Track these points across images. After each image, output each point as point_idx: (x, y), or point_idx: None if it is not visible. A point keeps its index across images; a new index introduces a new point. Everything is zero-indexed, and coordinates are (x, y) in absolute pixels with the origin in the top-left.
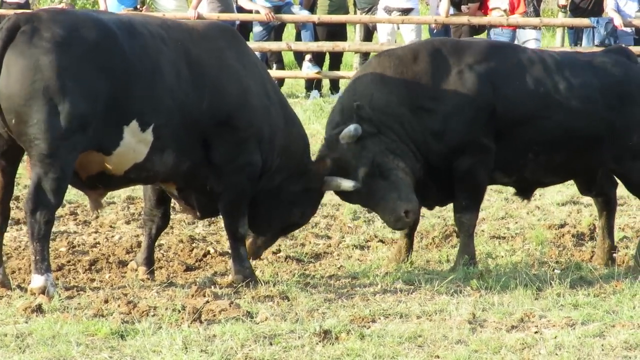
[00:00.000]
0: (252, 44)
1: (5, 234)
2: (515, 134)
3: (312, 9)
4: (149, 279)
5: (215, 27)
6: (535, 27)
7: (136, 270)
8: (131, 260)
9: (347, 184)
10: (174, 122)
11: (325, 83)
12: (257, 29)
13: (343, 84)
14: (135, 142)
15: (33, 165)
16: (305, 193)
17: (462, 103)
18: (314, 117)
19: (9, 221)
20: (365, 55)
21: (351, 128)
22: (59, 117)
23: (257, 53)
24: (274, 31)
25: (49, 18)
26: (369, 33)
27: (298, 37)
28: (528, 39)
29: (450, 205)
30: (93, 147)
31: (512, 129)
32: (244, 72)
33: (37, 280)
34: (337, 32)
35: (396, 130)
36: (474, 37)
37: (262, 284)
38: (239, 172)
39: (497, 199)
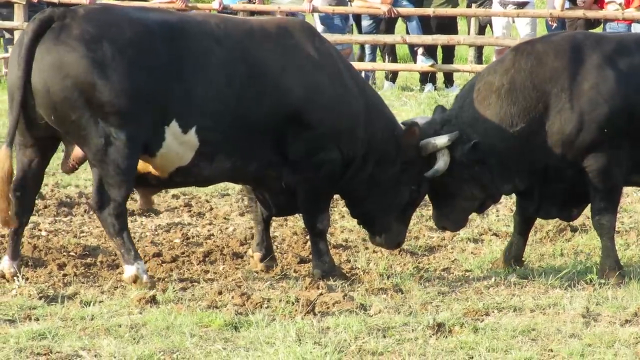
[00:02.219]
0: (366, 37)
1: None
2: None
3: (421, 2)
4: (263, 271)
5: (283, 25)
6: None
7: (252, 257)
8: (246, 252)
9: (442, 140)
10: (225, 126)
11: (440, 76)
12: (365, 22)
13: (457, 78)
14: (177, 145)
15: (90, 165)
16: (407, 169)
17: (599, 101)
18: (428, 110)
19: None
20: (479, 49)
21: (444, 139)
22: (96, 113)
23: (367, 46)
24: (386, 24)
25: (83, 15)
26: (481, 26)
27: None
28: None
29: None
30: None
31: None
32: (312, 69)
33: (128, 271)
34: (448, 25)
35: (499, 155)
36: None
37: (347, 277)
38: (315, 170)
39: None
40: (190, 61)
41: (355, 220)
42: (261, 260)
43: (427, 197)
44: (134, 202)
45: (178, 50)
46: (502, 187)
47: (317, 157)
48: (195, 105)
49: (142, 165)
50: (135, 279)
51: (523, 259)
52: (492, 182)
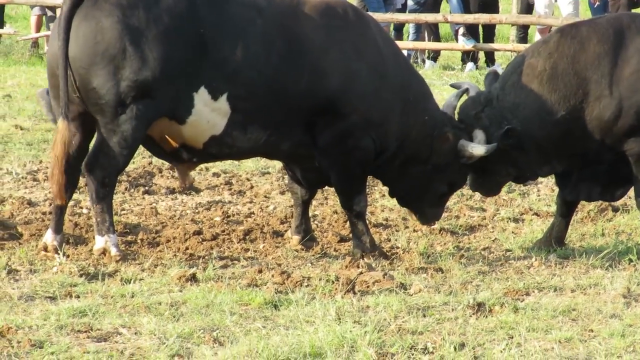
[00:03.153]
0: (408, 16)
1: (161, 202)
2: None
3: None
4: (303, 249)
5: (331, 5)
6: None
7: (291, 239)
8: (286, 231)
9: (479, 151)
10: (260, 97)
11: (481, 55)
12: (410, 2)
13: (498, 57)
14: (208, 111)
15: (97, 129)
16: (441, 169)
17: (638, 86)
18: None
19: (165, 190)
20: (522, 28)
21: (482, 150)
22: (119, 82)
23: (412, 25)
24: (432, 3)
25: None
26: (529, 6)
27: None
28: None
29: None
30: (165, 114)
31: None
32: (354, 55)
33: (98, 242)
34: (490, 3)
35: (538, 140)
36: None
37: (387, 256)
38: (346, 155)
39: None
40: (228, 29)
41: (395, 200)
42: (300, 243)
43: None
44: (175, 180)
45: (217, 17)
46: (540, 169)
47: (345, 144)
48: (228, 73)
49: (176, 138)
50: (104, 251)
51: (565, 240)
52: (528, 165)
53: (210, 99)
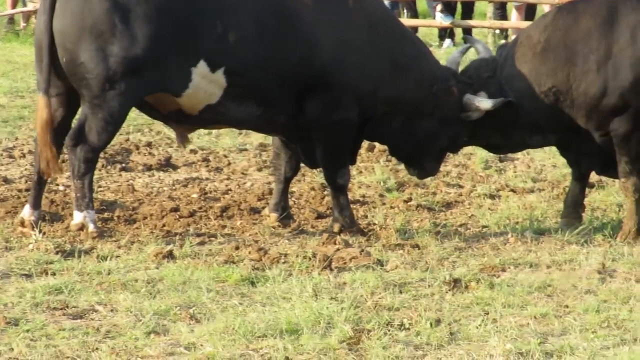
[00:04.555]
0: None
1: (138, 179)
2: None
3: None
4: (280, 226)
5: None
6: None
7: (268, 216)
8: (263, 208)
9: (486, 105)
10: (255, 72)
11: (458, 32)
12: None
13: (476, 33)
14: (206, 83)
15: (82, 104)
16: (447, 123)
17: (624, 66)
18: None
19: (142, 167)
20: (500, 5)
21: (489, 104)
22: (107, 59)
23: (387, 1)
24: None
25: None
26: None
27: None
28: None
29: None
30: (157, 90)
31: None
32: (344, 26)
33: (76, 217)
34: None
35: (529, 112)
36: None
37: (364, 233)
38: (334, 128)
39: None
40: (222, 6)
41: (372, 177)
42: (277, 220)
43: None
44: (152, 157)
45: None
46: (530, 138)
47: (333, 115)
48: (226, 48)
49: (172, 105)
50: (82, 227)
51: (581, 209)
52: (518, 133)
53: (209, 71)
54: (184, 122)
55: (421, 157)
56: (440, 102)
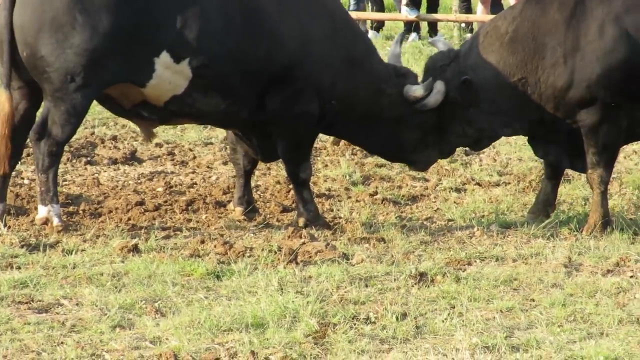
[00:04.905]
0: None
1: (103, 173)
2: None
3: None
4: (245, 220)
5: None
6: None
7: (234, 210)
8: (229, 201)
9: (419, 92)
10: (221, 64)
11: (424, 26)
12: None
13: (441, 27)
14: (170, 74)
15: (45, 98)
16: (400, 117)
17: (592, 59)
18: (412, 60)
19: (107, 160)
20: None
21: (420, 89)
22: (67, 52)
23: None
24: None
25: None
26: None
27: None
28: None
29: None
30: (120, 81)
31: None
32: (307, 19)
33: (41, 211)
34: None
35: (497, 102)
36: None
37: (330, 226)
38: (296, 121)
39: None
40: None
41: (338, 170)
42: (242, 214)
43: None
44: (117, 150)
45: None
46: (501, 130)
47: (295, 109)
48: (189, 40)
49: (137, 96)
50: (46, 221)
51: (552, 205)
52: (489, 125)
53: (173, 62)
54: (148, 116)
55: (398, 153)
56: (387, 102)
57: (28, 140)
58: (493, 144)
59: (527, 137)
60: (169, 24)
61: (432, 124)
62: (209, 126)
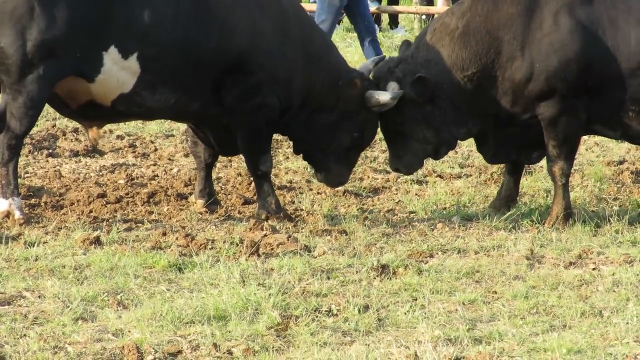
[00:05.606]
0: None
1: (65, 165)
2: (611, 90)
3: None
4: (207, 212)
5: None
6: None
7: (195, 203)
8: (190, 194)
9: (385, 97)
10: (170, 57)
11: (385, 18)
12: None
13: (402, 19)
14: (117, 70)
15: (2, 91)
16: (348, 117)
17: (549, 51)
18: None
19: (69, 153)
20: None
21: (387, 96)
22: (26, 42)
23: None
24: None
25: None
26: None
27: None
28: None
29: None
30: (73, 73)
31: (608, 85)
32: (259, 13)
33: (1, 205)
34: None
35: (451, 97)
36: None
37: (291, 219)
38: (253, 114)
39: None
40: None
41: (299, 162)
42: (204, 206)
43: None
44: (78, 142)
45: None
46: (456, 130)
47: (253, 101)
48: (137, 33)
49: (84, 95)
50: (8, 214)
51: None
52: (444, 125)
53: (121, 57)
54: (95, 116)
55: (324, 156)
56: (344, 95)
57: None
58: None
59: (477, 147)
60: (118, 16)
61: (366, 137)
62: None
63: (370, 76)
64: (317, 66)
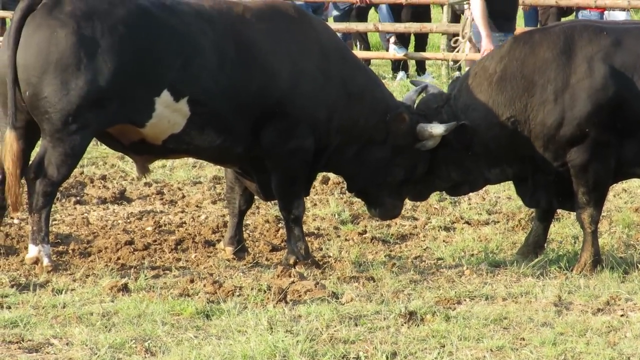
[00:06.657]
0: (338, 24)
1: (93, 212)
2: None
3: None
4: (234, 259)
5: (273, 7)
6: (623, 9)
7: (224, 250)
8: (218, 241)
9: (438, 130)
10: (217, 102)
11: (412, 64)
12: (335, 12)
13: (429, 66)
14: (169, 112)
15: (43, 138)
16: (400, 151)
17: (582, 96)
18: (400, 98)
19: (96, 200)
20: (453, 37)
21: (441, 129)
22: (71, 92)
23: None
24: (357, 12)
25: None
26: (455, 14)
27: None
28: None
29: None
30: (121, 122)
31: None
32: (298, 54)
33: (31, 251)
34: (422, 12)
35: (486, 142)
36: (562, 19)
37: (319, 265)
38: (289, 157)
39: None
40: (182, 38)
41: (326, 209)
42: (232, 253)
43: None
44: (106, 189)
45: (169, 27)
46: (488, 172)
47: (289, 144)
48: (188, 77)
49: (135, 135)
50: (36, 261)
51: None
52: (475, 166)
53: (173, 100)
54: (146, 152)
55: (378, 190)
56: (393, 130)
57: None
58: None
59: (515, 189)
60: (170, 62)
61: (419, 169)
62: (198, 165)
63: (415, 106)
64: (360, 104)
